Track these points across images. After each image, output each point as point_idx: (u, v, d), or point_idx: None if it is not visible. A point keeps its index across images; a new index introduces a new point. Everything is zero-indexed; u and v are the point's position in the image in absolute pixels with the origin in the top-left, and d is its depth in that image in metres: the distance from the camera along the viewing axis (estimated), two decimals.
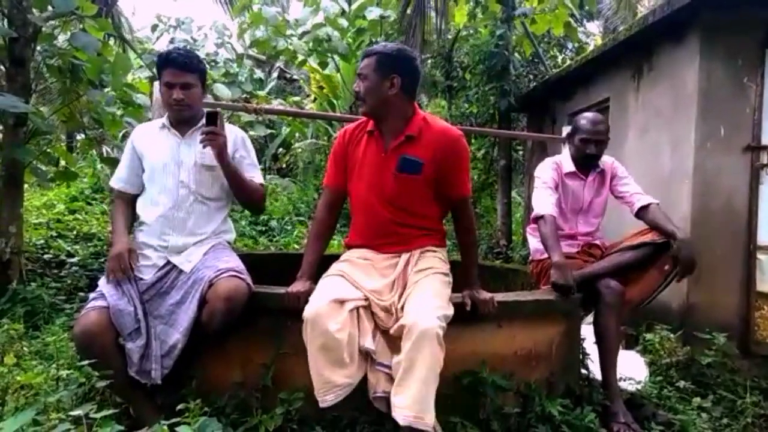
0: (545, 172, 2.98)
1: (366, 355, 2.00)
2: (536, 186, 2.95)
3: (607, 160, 3.07)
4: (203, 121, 2.34)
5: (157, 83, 2.66)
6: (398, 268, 2.17)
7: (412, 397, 1.84)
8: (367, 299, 2.04)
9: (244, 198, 2.47)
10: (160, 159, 2.38)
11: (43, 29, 4.03)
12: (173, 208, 2.35)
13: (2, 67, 4.13)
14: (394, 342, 2.02)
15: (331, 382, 1.92)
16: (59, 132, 10.18)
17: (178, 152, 2.39)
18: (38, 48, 4.15)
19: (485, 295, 2.26)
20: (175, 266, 2.29)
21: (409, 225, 2.24)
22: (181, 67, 2.30)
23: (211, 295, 2.09)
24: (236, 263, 2.25)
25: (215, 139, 2.21)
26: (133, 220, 2.47)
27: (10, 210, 3.97)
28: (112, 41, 7.60)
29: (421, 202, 2.25)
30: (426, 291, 2.03)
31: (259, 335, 2.26)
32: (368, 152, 2.25)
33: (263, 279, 2.40)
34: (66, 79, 4.29)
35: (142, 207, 2.42)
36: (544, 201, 2.83)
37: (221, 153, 2.25)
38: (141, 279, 2.27)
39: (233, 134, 2.48)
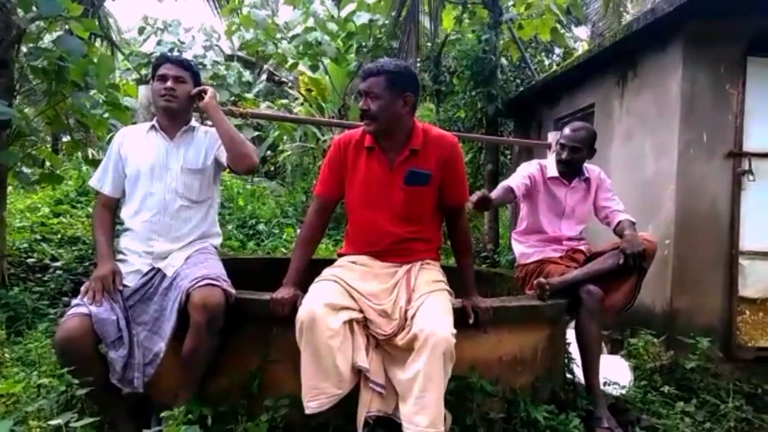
0: (526, 168, 3.12)
1: (358, 371, 1.99)
2: (513, 175, 3.10)
3: (594, 169, 3.13)
4: (191, 124, 2.44)
5: (143, 86, 2.67)
6: (398, 275, 2.17)
7: (433, 416, 1.85)
8: (361, 311, 2.03)
9: (238, 151, 2.35)
10: (146, 162, 2.37)
11: (28, 30, 3.99)
12: (159, 213, 2.34)
13: None
14: (390, 357, 2.02)
15: (318, 389, 1.91)
16: (44, 134, 10.09)
17: (166, 156, 2.39)
18: (23, 49, 4.10)
19: (484, 303, 2.29)
20: (159, 271, 2.28)
21: (415, 239, 2.24)
22: (177, 63, 2.41)
23: (190, 309, 2.07)
24: (215, 269, 2.23)
25: (204, 91, 2.40)
26: (114, 228, 2.47)
27: None
28: (98, 42, 7.55)
29: (427, 213, 2.26)
30: (437, 306, 2.03)
31: (244, 342, 2.25)
32: (370, 169, 2.22)
33: (250, 284, 2.40)
34: (51, 81, 4.25)
35: (126, 213, 2.40)
36: (509, 180, 3.05)
37: (212, 104, 2.38)
38: (125, 286, 2.25)
39: (212, 133, 2.51)
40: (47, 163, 5.01)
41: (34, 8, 3.92)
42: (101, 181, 2.45)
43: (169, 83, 2.35)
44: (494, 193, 2.88)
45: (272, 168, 12.04)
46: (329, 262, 2.38)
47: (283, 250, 6.20)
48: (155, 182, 2.35)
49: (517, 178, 3.03)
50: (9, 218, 4.65)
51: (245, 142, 2.38)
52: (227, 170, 2.58)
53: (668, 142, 3.74)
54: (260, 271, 3.57)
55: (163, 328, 2.15)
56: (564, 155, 2.99)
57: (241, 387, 2.19)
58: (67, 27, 4.19)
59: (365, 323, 2.04)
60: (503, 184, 3.02)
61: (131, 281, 2.27)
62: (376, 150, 2.23)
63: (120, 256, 2.39)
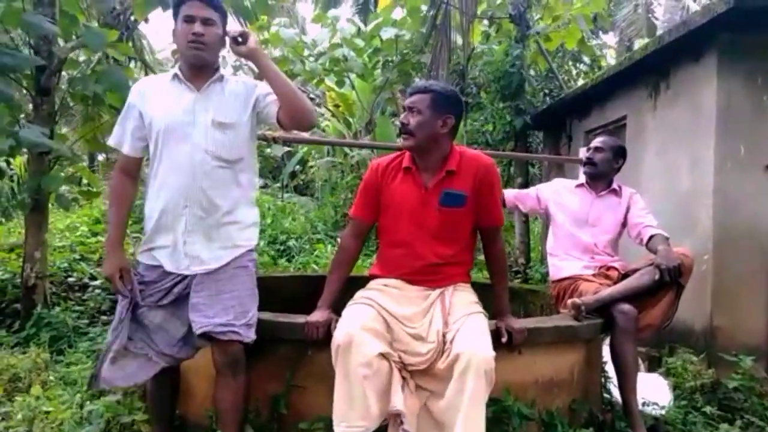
0: (544, 185, 3.39)
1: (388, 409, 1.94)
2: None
3: (628, 188, 3.15)
4: (220, 73, 2.11)
5: None
6: (431, 298, 2.17)
7: None
8: (393, 343, 2.02)
9: (295, 105, 2.04)
10: (171, 118, 2.03)
11: (68, 58, 4.14)
12: (188, 176, 2.02)
13: (29, 96, 4.23)
14: (426, 393, 2.00)
15: (345, 420, 1.89)
16: (81, 153, 10.40)
17: (193, 110, 2.05)
18: (63, 74, 4.25)
19: (519, 324, 2.28)
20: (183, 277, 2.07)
21: (449, 262, 2.24)
22: (205, 1, 2.03)
23: (211, 346, 2.05)
24: (240, 305, 2.04)
25: (247, 35, 2.03)
26: (132, 200, 2.18)
27: (35, 236, 4.05)
28: (132, 64, 7.76)
29: (461, 235, 2.27)
30: (476, 328, 2.03)
31: (277, 364, 2.27)
32: (406, 189, 2.25)
33: (283, 302, 2.42)
34: (89, 106, 4.40)
35: (150, 179, 2.11)
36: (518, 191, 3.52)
37: (259, 50, 2.03)
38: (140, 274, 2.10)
39: (250, 84, 2.19)
40: (83, 180, 5.19)
41: (73, 36, 4.08)
42: (119, 138, 2.12)
43: (197, 27, 1.99)
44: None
45: (301, 182, 12.15)
46: (360, 279, 2.40)
47: (314, 266, 6.24)
48: (181, 140, 2.02)
49: (530, 190, 3.40)
50: (49, 238, 4.80)
51: (304, 98, 2.07)
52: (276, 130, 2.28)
53: (704, 155, 3.67)
54: (293, 288, 3.62)
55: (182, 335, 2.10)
56: (587, 154, 3.13)
57: (271, 409, 2.20)
58: (104, 53, 4.35)
59: (400, 360, 2.01)
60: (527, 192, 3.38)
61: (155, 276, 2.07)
62: (412, 171, 2.25)
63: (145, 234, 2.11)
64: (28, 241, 4.06)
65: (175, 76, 2.09)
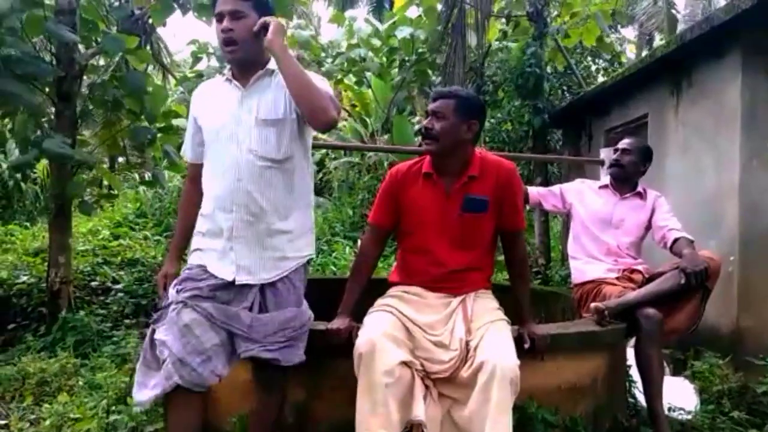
0: (567, 185, 3.32)
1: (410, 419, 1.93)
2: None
3: (653, 191, 3.10)
4: (270, 66, 1.96)
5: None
6: (452, 305, 2.16)
7: None
8: (414, 351, 2.01)
9: (310, 103, 1.87)
10: (218, 119, 1.97)
11: (89, 64, 4.20)
12: (235, 180, 1.91)
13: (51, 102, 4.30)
14: (449, 401, 1.99)
15: (368, 428, 1.87)
16: (101, 155, 10.55)
17: (238, 108, 1.95)
18: (84, 78, 4.31)
19: (541, 330, 2.26)
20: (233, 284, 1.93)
21: (470, 268, 2.22)
22: None
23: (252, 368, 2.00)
24: (288, 330, 1.95)
25: (268, 24, 1.87)
26: (197, 208, 2.07)
27: (59, 241, 4.12)
28: (150, 67, 7.86)
29: (483, 241, 2.25)
30: (500, 335, 2.01)
31: (298, 371, 2.22)
32: (427, 195, 2.23)
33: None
34: (109, 111, 4.46)
35: (203, 199, 2.02)
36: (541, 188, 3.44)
37: (278, 43, 1.86)
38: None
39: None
40: (104, 182, 5.27)
41: (94, 43, 4.14)
42: (184, 145, 2.14)
43: (225, 23, 1.88)
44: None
45: (319, 183, 12.19)
46: (379, 282, 2.39)
47: (333, 267, 6.25)
48: (228, 141, 1.93)
49: (552, 188, 3.35)
50: (72, 242, 4.88)
51: (320, 92, 1.88)
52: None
53: (729, 154, 3.60)
54: (311, 292, 3.63)
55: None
56: (615, 156, 3.08)
57: (289, 417, 2.20)
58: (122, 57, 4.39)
59: (423, 368, 2.00)
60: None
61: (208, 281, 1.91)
62: (433, 176, 2.23)
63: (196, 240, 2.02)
64: (52, 247, 4.12)
65: (227, 77, 2.02)
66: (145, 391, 1.82)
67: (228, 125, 1.94)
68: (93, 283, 4.79)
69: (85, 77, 4.32)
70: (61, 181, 4.04)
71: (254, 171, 1.91)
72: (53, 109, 4.17)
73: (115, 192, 5.28)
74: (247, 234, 1.92)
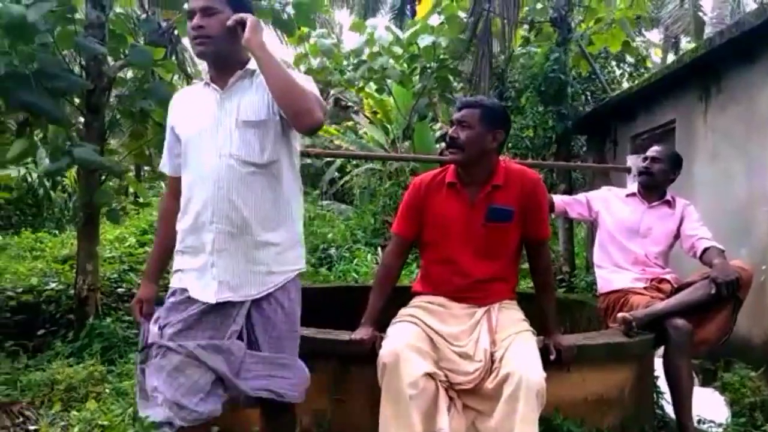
0: (593, 193, 3.28)
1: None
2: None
3: (682, 200, 3.05)
4: (249, 66, 1.83)
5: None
6: (476, 316, 2.15)
7: None
8: (439, 362, 2.01)
9: (293, 105, 1.72)
10: (195, 124, 1.83)
11: (117, 76, 4.28)
12: (216, 188, 1.76)
13: (80, 114, 4.39)
14: (473, 413, 1.98)
15: None
16: (129, 165, 10.75)
17: (217, 111, 1.81)
18: (112, 90, 4.40)
19: (567, 341, 2.24)
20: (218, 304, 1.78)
21: (494, 279, 2.21)
22: None
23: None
24: (277, 366, 1.81)
25: (244, 20, 1.74)
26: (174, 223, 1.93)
27: (87, 248, 4.19)
28: (176, 77, 7.99)
29: (507, 251, 2.24)
30: (525, 347, 2.00)
31: (319, 380, 2.24)
32: (450, 205, 2.23)
33: (325, 314, 2.42)
34: (136, 122, 4.54)
35: (181, 212, 1.87)
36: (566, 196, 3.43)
37: (256, 40, 1.72)
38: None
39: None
40: (130, 189, 5.37)
41: (122, 56, 4.22)
42: (163, 159, 1.99)
43: (196, 20, 1.75)
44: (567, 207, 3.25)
45: (340, 190, 12.26)
46: (402, 290, 2.39)
47: (354, 274, 6.26)
48: (206, 148, 1.79)
49: (577, 196, 3.33)
50: (100, 249, 4.97)
51: (304, 93, 1.73)
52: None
53: (760, 160, 3.52)
54: (334, 300, 3.64)
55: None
56: (644, 164, 3.04)
57: (311, 425, 2.21)
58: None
59: (447, 379, 1.99)
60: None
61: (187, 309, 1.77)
62: (457, 186, 2.23)
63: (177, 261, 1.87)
64: (80, 254, 4.20)
65: (205, 81, 1.89)
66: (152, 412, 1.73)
67: (207, 130, 1.80)
68: (119, 290, 4.86)
69: (113, 89, 4.41)
70: (90, 189, 4.11)
71: (236, 177, 1.76)
72: (82, 120, 4.26)
73: (142, 200, 5.36)
74: (230, 247, 1.77)
